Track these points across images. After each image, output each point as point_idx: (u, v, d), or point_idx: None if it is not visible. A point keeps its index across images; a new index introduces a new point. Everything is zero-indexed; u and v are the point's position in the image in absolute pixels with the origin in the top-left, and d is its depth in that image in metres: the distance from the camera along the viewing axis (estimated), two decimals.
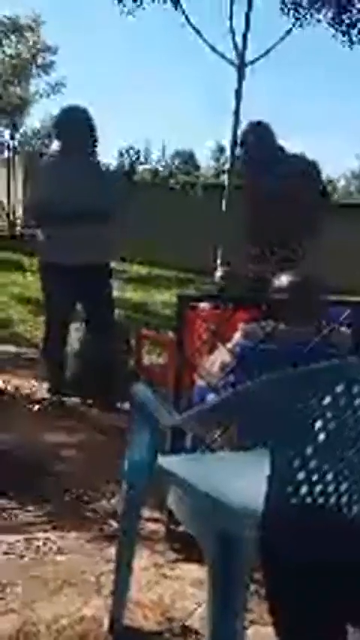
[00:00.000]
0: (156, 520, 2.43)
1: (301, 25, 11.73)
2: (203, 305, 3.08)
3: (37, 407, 3.94)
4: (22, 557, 2.26)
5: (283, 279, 2.46)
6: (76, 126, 3.93)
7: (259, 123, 3.92)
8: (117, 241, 4.28)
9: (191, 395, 2.54)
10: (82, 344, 4.22)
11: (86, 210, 3.80)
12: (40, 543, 2.35)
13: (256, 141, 3.85)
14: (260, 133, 3.87)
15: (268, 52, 11.62)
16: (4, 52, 17.93)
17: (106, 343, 4.07)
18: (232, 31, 11.25)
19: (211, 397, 2.31)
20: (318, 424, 1.39)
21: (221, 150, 35.22)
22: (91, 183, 3.88)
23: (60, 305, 4.05)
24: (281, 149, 3.87)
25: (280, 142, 3.87)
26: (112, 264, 4.27)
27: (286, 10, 11.64)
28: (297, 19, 11.66)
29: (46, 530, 2.46)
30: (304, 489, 1.41)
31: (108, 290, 4.15)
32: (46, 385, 4.14)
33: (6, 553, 2.27)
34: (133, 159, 20.15)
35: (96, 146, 4.02)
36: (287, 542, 1.41)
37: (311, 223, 3.80)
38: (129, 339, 4.52)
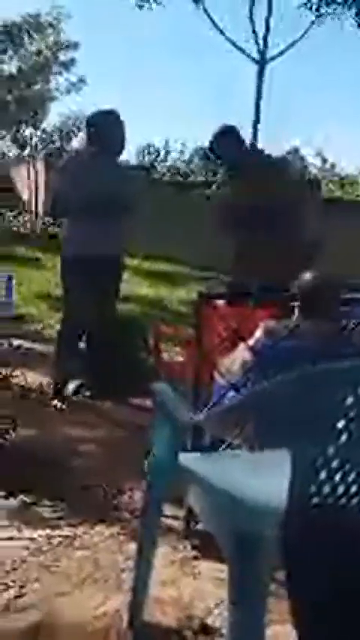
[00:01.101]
0: (176, 517, 2.43)
1: (322, 20, 11.65)
2: (222, 302, 3.06)
3: (57, 403, 3.96)
4: (43, 552, 2.27)
5: (305, 277, 2.45)
6: (110, 129, 4.10)
7: (225, 126, 3.99)
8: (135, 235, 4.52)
9: (211, 393, 2.54)
10: (87, 337, 4.31)
11: (115, 206, 4.00)
12: (61, 539, 2.37)
13: (223, 144, 3.94)
14: (225, 135, 3.94)
15: (288, 47, 11.58)
16: (26, 49, 18.04)
17: (109, 337, 4.20)
18: (254, 27, 11.23)
19: (231, 395, 2.31)
20: (340, 424, 1.38)
21: None
22: (119, 182, 4.08)
23: (81, 298, 4.12)
24: (255, 151, 3.95)
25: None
26: (129, 261, 4.44)
27: (308, 4, 11.57)
28: (319, 12, 11.59)
29: (67, 526, 2.48)
30: (326, 489, 1.40)
31: (118, 285, 4.33)
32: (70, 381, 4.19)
33: (27, 548, 2.29)
34: (153, 156, 20.15)
35: (124, 148, 4.28)
36: (309, 542, 1.40)
37: (297, 222, 3.85)
38: (146, 335, 4.55)
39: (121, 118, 4.15)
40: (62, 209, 4.25)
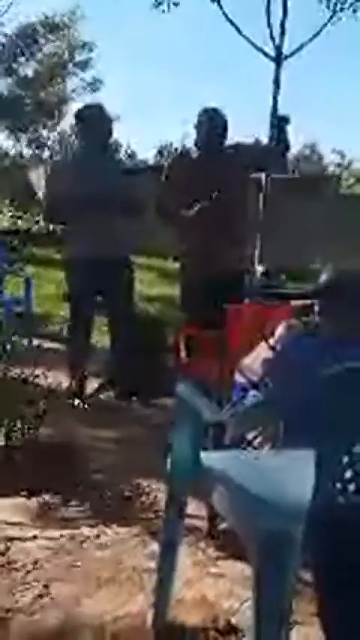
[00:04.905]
0: (199, 517, 2.42)
1: (340, 18, 11.53)
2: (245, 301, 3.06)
3: (78, 403, 3.97)
4: (66, 552, 2.27)
5: (326, 273, 2.41)
6: (94, 123, 4.02)
7: (213, 109, 3.95)
8: (138, 235, 4.32)
9: (232, 392, 2.52)
10: (110, 339, 4.31)
11: (108, 203, 3.87)
12: (84, 539, 2.37)
13: (208, 127, 3.87)
14: (212, 118, 3.89)
15: (304, 44, 11.47)
16: (41, 50, 18.14)
17: (130, 337, 4.17)
18: (269, 24, 11.14)
19: (252, 394, 2.29)
20: None
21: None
22: (112, 178, 3.96)
23: (85, 299, 4.11)
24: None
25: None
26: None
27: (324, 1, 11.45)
28: (336, 9, 11.46)
29: (89, 526, 2.48)
30: (351, 488, 1.39)
31: (129, 283, 4.22)
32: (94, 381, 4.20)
33: (50, 548, 2.29)
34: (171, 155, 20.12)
35: (110, 141, 4.23)
36: (334, 541, 1.39)
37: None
38: (167, 335, 4.54)
39: (106, 111, 4.09)
40: (57, 213, 4.17)
